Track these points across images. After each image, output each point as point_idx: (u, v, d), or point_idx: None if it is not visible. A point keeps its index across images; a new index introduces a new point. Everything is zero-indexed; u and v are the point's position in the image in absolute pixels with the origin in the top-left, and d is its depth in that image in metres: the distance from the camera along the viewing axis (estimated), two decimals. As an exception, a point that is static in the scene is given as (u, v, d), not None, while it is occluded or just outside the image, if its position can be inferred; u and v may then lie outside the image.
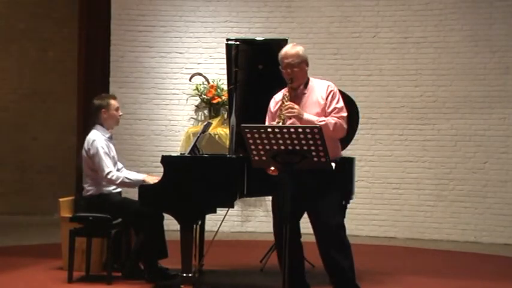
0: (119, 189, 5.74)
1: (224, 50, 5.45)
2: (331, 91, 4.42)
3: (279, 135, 3.72)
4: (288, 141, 3.72)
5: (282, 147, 3.74)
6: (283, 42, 5.60)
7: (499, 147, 8.10)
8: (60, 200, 5.95)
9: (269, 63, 5.53)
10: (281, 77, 5.51)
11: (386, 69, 8.46)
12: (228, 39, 5.41)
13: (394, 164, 8.38)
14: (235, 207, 5.47)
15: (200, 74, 8.54)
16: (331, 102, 4.39)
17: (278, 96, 4.56)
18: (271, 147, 3.76)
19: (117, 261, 5.66)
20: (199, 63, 8.67)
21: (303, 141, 3.71)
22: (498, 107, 8.11)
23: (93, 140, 5.55)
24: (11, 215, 9.47)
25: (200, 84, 8.52)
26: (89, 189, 5.61)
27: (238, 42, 5.33)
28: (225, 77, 5.69)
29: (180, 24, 8.74)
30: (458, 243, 7.96)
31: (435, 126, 8.30)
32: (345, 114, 4.41)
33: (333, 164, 3.99)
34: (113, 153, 5.67)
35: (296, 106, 4.27)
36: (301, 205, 4.32)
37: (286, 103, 4.27)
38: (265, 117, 4.69)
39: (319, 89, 4.45)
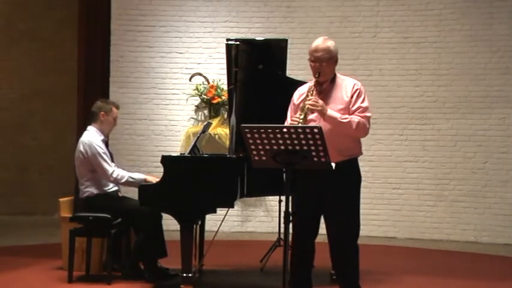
0: (115, 188, 5.74)
1: (224, 50, 5.45)
2: (357, 89, 4.32)
3: (279, 135, 3.70)
4: (288, 141, 3.71)
5: (282, 147, 3.73)
6: (283, 42, 5.62)
7: (499, 147, 8.10)
8: (60, 200, 5.96)
9: (269, 63, 5.56)
10: (281, 77, 5.55)
11: (387, 69, 8.46)
12: (228, 39, 5.40)
13: (394, 164, 8.38)
14: (235, 207, 5.47)
15: (200, 74, 8.54)
16: (356, 100, 4.30)
17: (302, 89, 4.44)
18: (271, 147, 3.75)
19: (117, 261, 5.66)
20: (199, 63, 8.67)
21: (303, 141, 3.70)
22: (498, 107, 8.11)
23: (90, 141, 5.57)
24: (11, 215, 9.47)
25: (200, 84, 8.52)
26: (85, 190, 5.61)
27: (238, 42, 5.32)
28: (225, 77, 5.68)
29: (180, 24, 8.74)
30: (458, 243, 7.96)
31: (435, 126, 8.30)
32: (369, 114, 4.34)
33: (333, 164, 3.96)
34: (108, 152, 5.69)
35: (320, 101, 4.17)
36: (322, 209, 4.30)
37: (310, 96, 4.17)
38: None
39: (345, 86, 4.34)
